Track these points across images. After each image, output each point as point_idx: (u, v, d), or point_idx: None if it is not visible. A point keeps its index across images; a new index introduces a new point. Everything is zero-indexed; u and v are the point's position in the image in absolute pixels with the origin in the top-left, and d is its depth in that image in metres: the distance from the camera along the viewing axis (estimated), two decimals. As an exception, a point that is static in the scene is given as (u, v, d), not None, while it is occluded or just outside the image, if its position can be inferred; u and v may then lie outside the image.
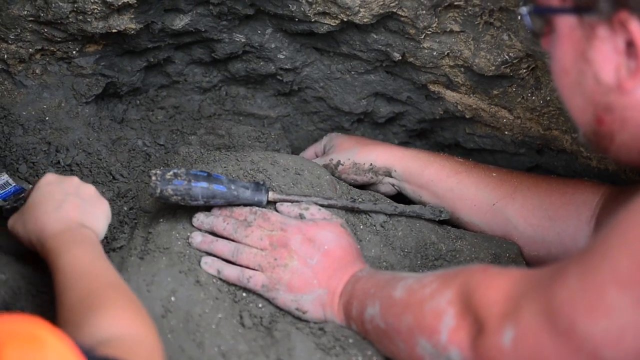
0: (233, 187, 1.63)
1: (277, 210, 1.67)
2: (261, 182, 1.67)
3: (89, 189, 1.57)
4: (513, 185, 1.83)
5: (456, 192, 1.86)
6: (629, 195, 1.49)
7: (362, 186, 1.93)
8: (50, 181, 1.57)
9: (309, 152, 2.05)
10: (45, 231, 1.47)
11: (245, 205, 1.66)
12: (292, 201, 1.67)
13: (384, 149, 1.92)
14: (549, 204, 1.78)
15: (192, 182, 1.59)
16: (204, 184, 1.60)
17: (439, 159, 1.90)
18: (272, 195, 1.66)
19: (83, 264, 1.39)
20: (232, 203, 1.64)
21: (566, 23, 1.24)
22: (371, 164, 1.91)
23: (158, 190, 1.58)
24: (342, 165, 1.91)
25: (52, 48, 1.82)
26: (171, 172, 1.59)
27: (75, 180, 1.58)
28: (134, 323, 1.28)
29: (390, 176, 1.91)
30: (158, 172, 1.59)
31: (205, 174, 1.61)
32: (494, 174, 1.86)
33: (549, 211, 1.78)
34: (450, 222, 1.88)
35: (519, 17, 1.37)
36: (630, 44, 1.17)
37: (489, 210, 1.83)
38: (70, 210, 1.50)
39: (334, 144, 1.97)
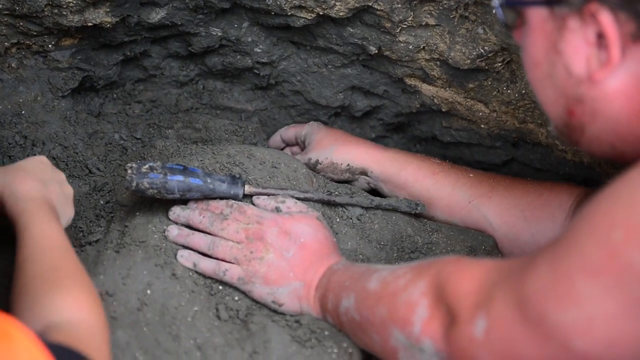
0: (209, 181, 1.63)
1: (253, 204, 1.68)
2: (237, 176, 1.67)
3: (70, 190, 1.58)
4: (490, 185, 1.84)
5: (432, 192, 1.87)
6: None
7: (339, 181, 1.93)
8: (44, 161, 1.57)
9: (290, 132, 2.05)
10: (23, 190, 1.45)
11: (222, 198, 1.66)
12: (268, 194, 1.68)
13: (362, 150, 1.93)
14: (525, 204, 1.79)
15: (168, 175, 1.59)
16: (180, 177, 1.60)
17: (415, 161, 1.90)
18: (248, 189, 1.67)
19: (52, 238, 1.39)
20: (208, 196, 1.65)
21: (537, 15, 1.24)
22: (348, 165, 1.91)
23: (134, 184, 1.58)
24: (321, 164, 1.92)
25: (27, 42, 1.81)
26: (147, 166, 1.59)
27: (63, 175, 1.58)
28: (89, 309, 1.29)
29: (367, 175, 1.92)
30: (134, 165, 1.59)
31: (181, 168, 1.61)
32: (471, 175, 1.87)
33: (525, 211, 1.79)
34: (425, 215, 1.88)
35: (494, 10, 1.37)
36: (600, 36, 1.18)
37: (464, 207, 1.84)
38: (52, 192, 1.50)
39: (313, 139, 1.97)
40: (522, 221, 1.78)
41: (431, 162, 1.90)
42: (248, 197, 1.68)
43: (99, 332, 1.28)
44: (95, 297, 1.33)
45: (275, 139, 2.07)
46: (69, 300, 1.28)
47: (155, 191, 1.59)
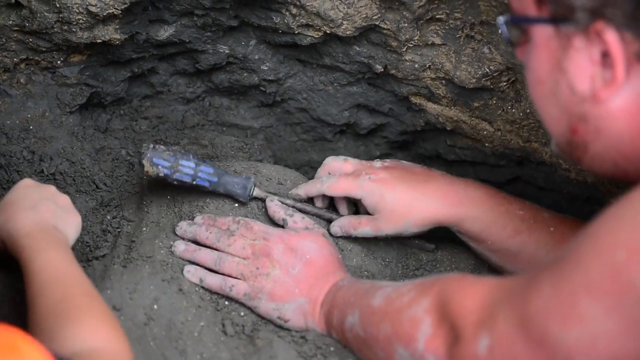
0: (221, 172, 1.65)
1: (266, 206, 1.70)
2: (250, 177, 1.70)
3: (65, 199, 1.58)
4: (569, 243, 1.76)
5: (513, 251, 1.76)
6: None
7: None
8: (28, 184, 1.58)
9: (339, 190, 1.75)
10: (19, 229, 1.46)
11: (230, 197, 1.68)
12: (274, 194, 1.70)
13: (438, 209, 1.72)
14: None
15: (181, 159, 1.62)
16: (192, 163, 1.64)
17: (501, 219, 1.74)
18: (257, 191, 1.68)
19: (58, 268, 1.39)
20: (216, 189, 1.66)
21: (542, 33, 1.24)
22: (429, 229, 1.75)
23: (148, 164, 1.60)
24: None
25: (36, 58, 1.82)
26: (163, 147, 1.62)
27: (52, 188, 1.59)
28: (109, 336, 1.28)
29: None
30: (151, 145, 1.62)
31: (196, 157, 1.66)
32: (552, 229, 1.75)
33: None
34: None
35: (499, 28, 1.38)
36: (605, 55, 1.18)
37: None
38: (45, 212, 1.51)
39: (380, 209, 1.73)
40: None
41: (516, 218, 1.75)
42: (256, 201, 1.71)
43: (120, 357, 1.27)
44: (112, 322, 1.33)
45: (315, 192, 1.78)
46: (83, 330, 1.27)
47: (169, 172, 1.63)
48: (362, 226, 1.73)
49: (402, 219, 1.71)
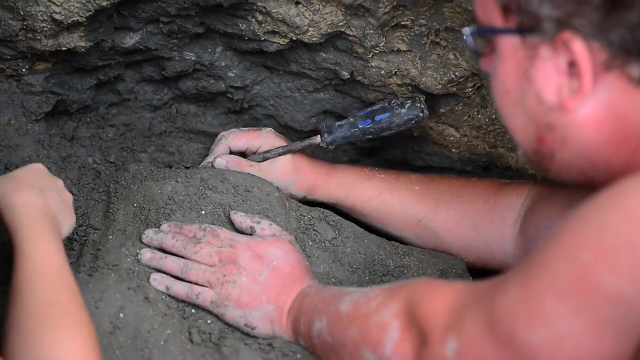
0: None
1: (230, 221, 1.69)
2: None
3: (69, 196, 1.54)
4: (435, 198, 1.86)
5: (382, 212, 1.90)
6: (563, 196, 1.52)
7: None
8: (39, 169, 1.53)
9: (241, 141, 1.91)
10: (22, 204, 1.40)
11: None
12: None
13: (318, 181, 1.93)
14: (473, 212, 1.80)
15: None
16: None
17: (361, 180, 1.91)
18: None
19: (54, 263, 1.35)
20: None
21: (509, 43, 1.25)
22: (304, 197, 1.93)
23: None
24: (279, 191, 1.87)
25: (1, 66, 1.81)
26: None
27: (60, 182, 1.55)
28: (88, 356, 1.26)
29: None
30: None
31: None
32: (416, 187, 1.88)
33: (474, 219, 1.80)
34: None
35: (464, 37, 1.38)
36: (572, 64, 1.19)
37: (416, 225, 1.86)
38: (51, 200, 1.46)
39: (276, 163, 1.90)
40: (472, 230, 1.80)
41: (376, 180, 1.91)
42: (222, 208, 1.69)
43: None
44: (93, 341, 1.30)
45: (220, 149, 1.91)
46: (66, 342, 1.25)
47: None
48: (253, 169, 1.86)
49: (289, 175, 1.90)
